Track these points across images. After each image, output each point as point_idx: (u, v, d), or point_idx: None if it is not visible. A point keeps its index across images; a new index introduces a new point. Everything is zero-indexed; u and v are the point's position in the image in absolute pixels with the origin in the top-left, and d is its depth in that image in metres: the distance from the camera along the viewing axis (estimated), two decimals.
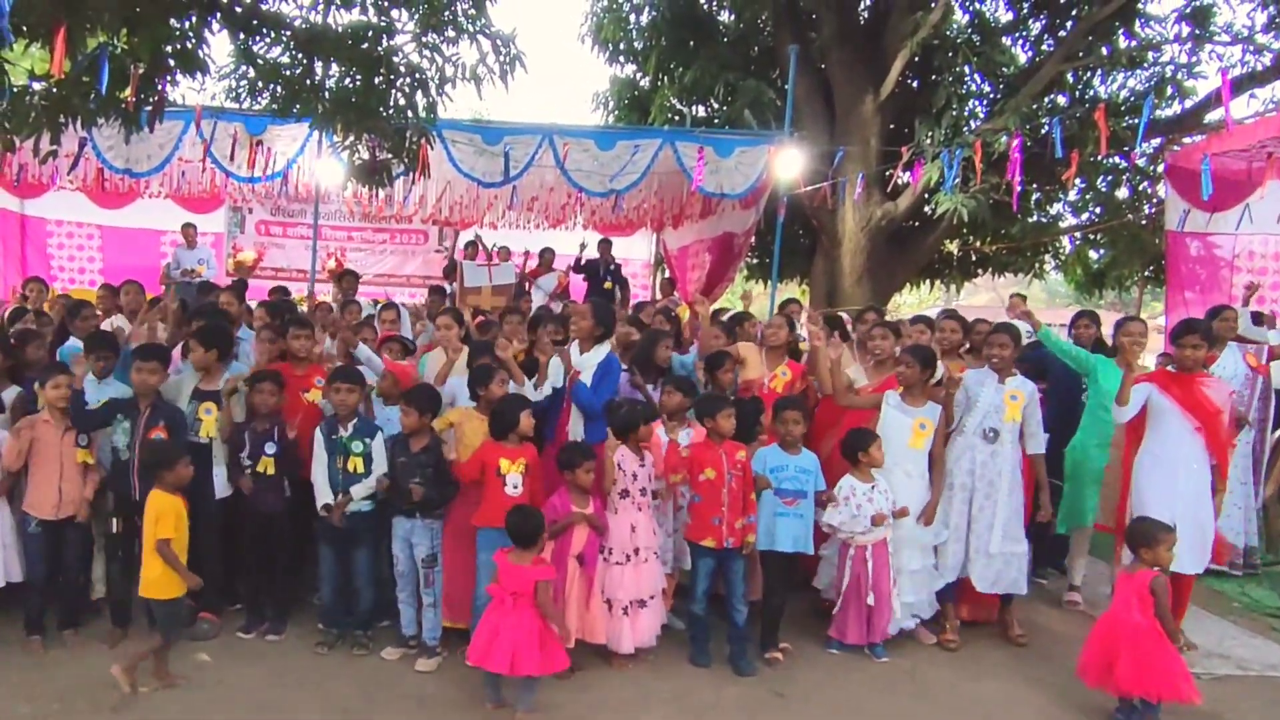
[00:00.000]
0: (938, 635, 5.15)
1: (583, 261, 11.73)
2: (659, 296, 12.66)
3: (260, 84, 4.83)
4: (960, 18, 13.03)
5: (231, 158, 8.89)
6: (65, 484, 4.54)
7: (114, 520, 4.59)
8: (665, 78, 13.87)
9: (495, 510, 4.35)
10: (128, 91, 4.66)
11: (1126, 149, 10.96)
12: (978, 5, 12.85)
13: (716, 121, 13.39)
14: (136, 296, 6.69)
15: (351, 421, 4.67)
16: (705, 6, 13.99)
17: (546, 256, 11.78)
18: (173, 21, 4.39)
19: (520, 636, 3.96)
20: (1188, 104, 12.45)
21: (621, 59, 14.42)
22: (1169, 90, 12.38)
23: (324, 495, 4.63)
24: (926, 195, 11.58)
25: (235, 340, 5.41)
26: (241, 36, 4.71)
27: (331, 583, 4.72)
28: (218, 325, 5.30)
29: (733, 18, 13.61)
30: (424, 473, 4.48)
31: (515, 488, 4.48)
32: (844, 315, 7.32)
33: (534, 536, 4.09)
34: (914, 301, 23.99)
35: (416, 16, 4.83)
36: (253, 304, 7.56)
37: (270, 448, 4.73)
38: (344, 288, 8.97)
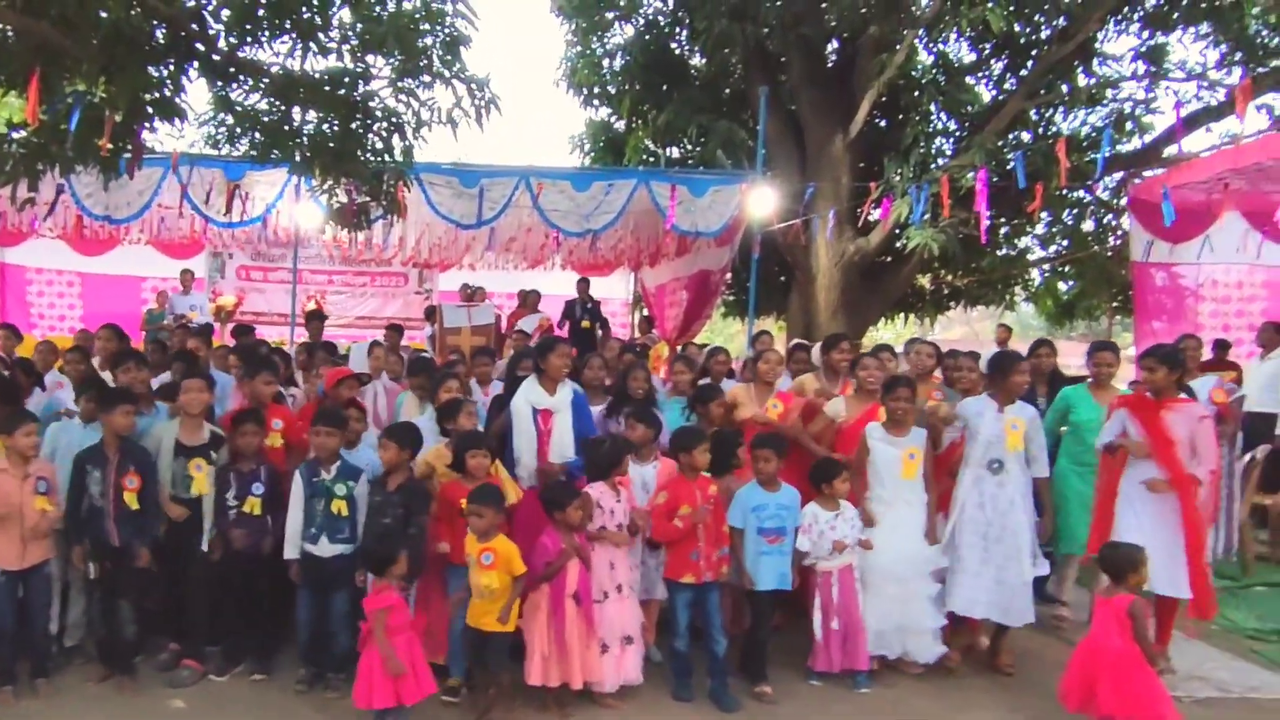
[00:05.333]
0: (946, 659, 5.11)
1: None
2: (638, 335, 12.75)
3: (239, 130, 4.87)
4: (925, 58, 13.35)
5: (207, 202, 8.92)
6: (29, 533, 4.47)
7: (91, 566, 4.52)
8: (639, 120, 14.10)
9: (462, 548, 4.40)
10: (104, 138, 4.69)
11: (1089, 182, 11.23)
12: (941, 46, 13.18)
13: (690, 162, 13.60)
14: (106, 344, 6.58)
15: (334, 464, 4.64)
16: (677, 50, 14.26)
17: (530, 299, 11.81)
18: (151, 69, 4.44)
19: (373, 668, 3.93)
20: (1147, 139, 12.80)
21: (596, 102, 14.65)
22: (1128, 126, 12.74)
23: (292, 548, 4.61)
24: (898, 230, 11.79)
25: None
26: (219, 83, 4.76)
27: (309, 628, 4.65)
28: (207, 370, 5.31)
29: (704, 61, 13.86)
30: (394, 513, 4.44)
31: None
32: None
33: (383, 565, 4.05)
34: (891, 336, 24.21)
35: (393, 62, 4.90)
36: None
37: (258, 488, 4.70)
38: (311, 330, 8.96)
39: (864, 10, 12.03)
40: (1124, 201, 11.01)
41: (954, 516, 5.10)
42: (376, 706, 3.92)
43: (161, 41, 4.48)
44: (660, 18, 14.06)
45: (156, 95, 4.46)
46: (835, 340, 6.12)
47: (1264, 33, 11.57)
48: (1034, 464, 5.12)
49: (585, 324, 11.51)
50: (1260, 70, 11.18)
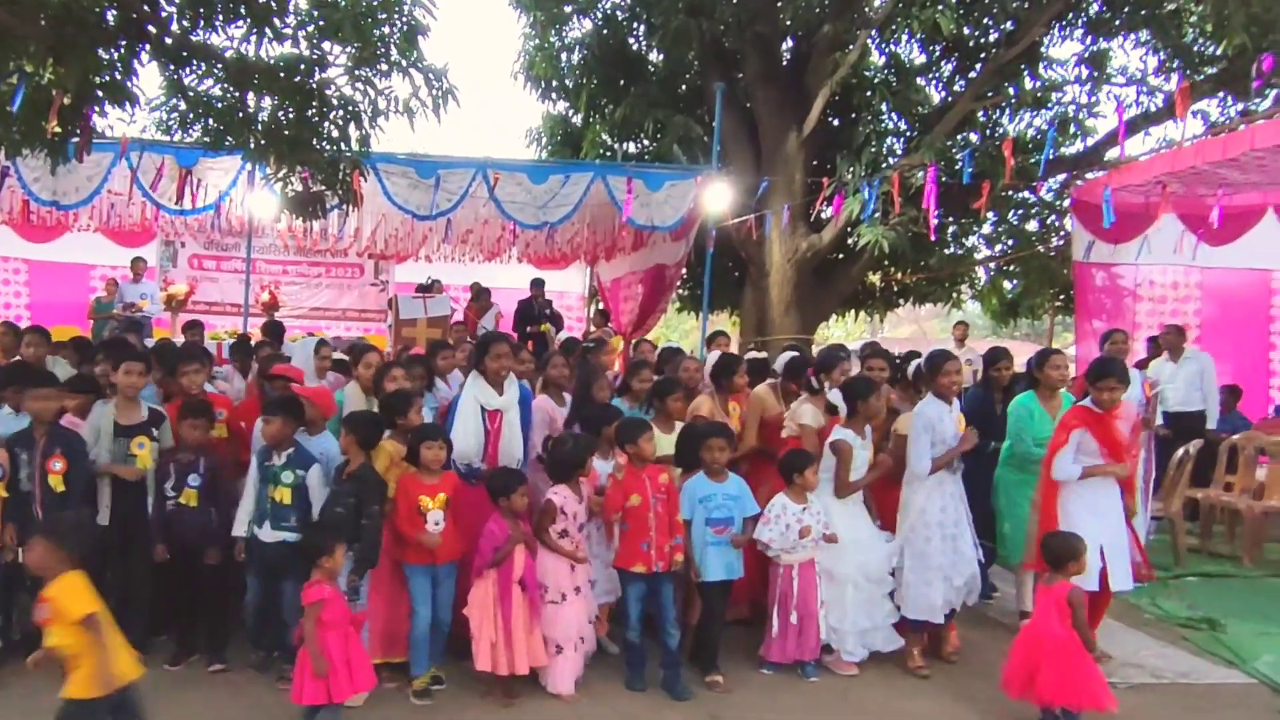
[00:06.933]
0: (909, 664, 5.12)
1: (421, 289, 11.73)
2: (593, 329, 12.79)
3: (191, 116, 4.80)
4: (877, 59, 13.57)
5: (154, 187, 8.75)
6: None
7: (18, 551, 4.42)
8: (596, 114, 14.10)
9: (420, 546, 4.40)
10: (51, 121, 4.58)
11: (1033, 183, 11.55)
12: (893, 47, 13.40)
13: (646, 157, 13.65)
14: (39, 349, 6.25)
15: (286, 450, 4.58)
16: (634, 46, 14.30)
17: (483, 296, 11.76)
18: (100, 51, 4.35)
19: (306, 663, 3.88)
20: (1090, 142, 13.17)
21: (554, 96, 14.62)
22: (1072, 128, 13.09)
23: (239, 527, 4.60)
24: (849, 228, 11.98)
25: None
26: (172, 68, 4.69)
27: (256, 612, 4.65)
28: (143, 351, 5.24)
29: (661, 57, 13.93)
30: (346, 502, 4.41)
31: (437, 524, 4.46)
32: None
33: (314, 556, 3.98)
34: (842, 334, 24.57)
35: (349, 50, 4.87)
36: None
37: (194, 479, 4.65)
38: (266, 331, 8.86)
39: (818, 10, 12.20)
40: (1067, 202, 11.33)
41: (912, 520, 5.09)
42: (306, 702, 3.86)
43: (112, 23, 4.41)
44: (618, 12, 14.07)
45: (106, 78, 4.38)
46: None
47: (1200, 41, 11.98)
48: None
49: (544, 326, 11.51)
50: (1197, 77, 11.57)
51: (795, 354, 6.14)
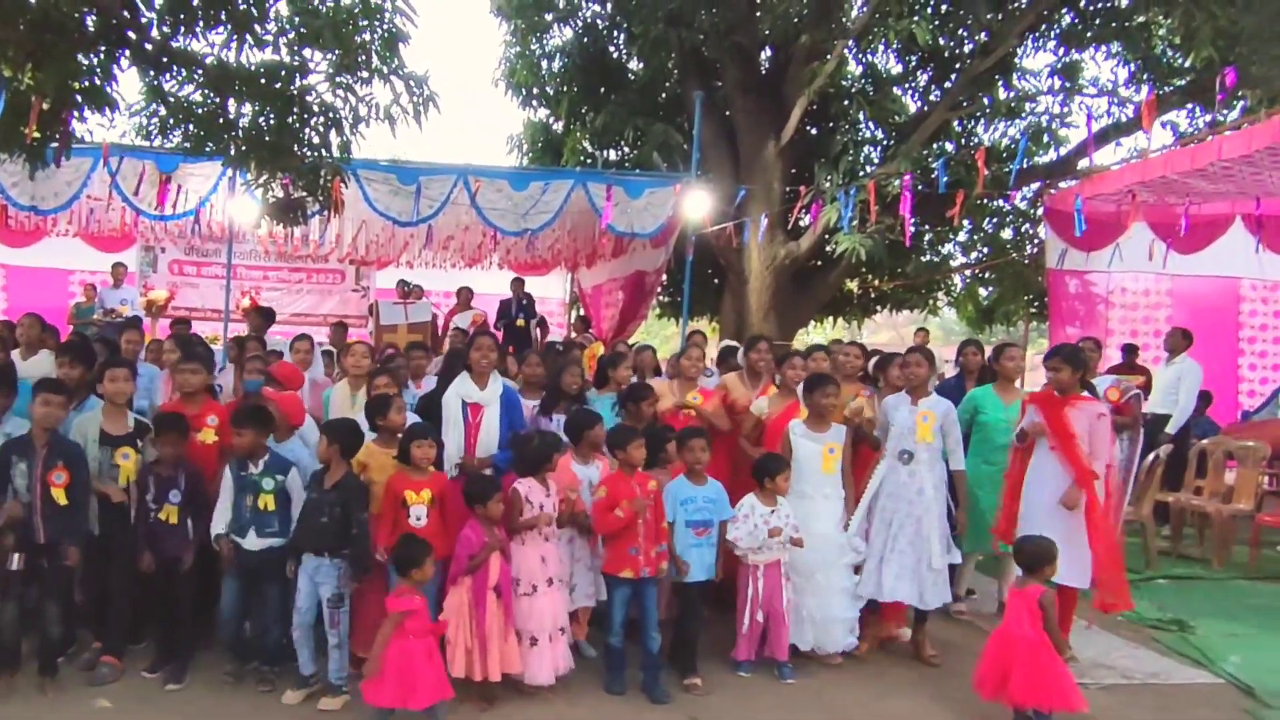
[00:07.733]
0: (855, 649, 5.24)
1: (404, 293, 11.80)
2: (574, 334, 12.83)
3: (172, 122, 4.80)
4: (854, 69, 13.74)
5: (136, 192, 8.71)
6: None
7: (14, 557, 4.36)
8: (577, 122, 14.19)
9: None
10: (30, 126, 4.57)
11: (1007, 192, 11.72)
12: (870, 57, 13.58)
13: (627, 164, 13.73)
14: (29, 330, 6.33)
15: (262, 458, 4.59)
16: (614, 54, 14.38)
17: (463, 295, 11.81)
18: (80, 57, 4.36)
19: (386, 667, 3.96)
20: (1062, 151, 13.38)
21: (534, 103, 14.68)
22: (1045, 138, 13.30)
23: (218, 526, 4.58)
24: (827, 236, 12.09)
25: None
26: (151, 73, 4.69)
27: (233, 617, 4.61)
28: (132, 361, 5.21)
29: (641, 65, 14.02)
30: (332, 511, 4.41)
31: (419, 519, 4.48)
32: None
33: (412, 563, 4.08)
34: (821, 340, 24.72)
35: (330, 57, 4.89)
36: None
37: (174, 496, 4.60)
38: (253, 325, 8.83)
39: (796, 20, 12.33)
40: (1040, 211, 11.51)
41: (864, 505, 5.28)
42: (382, 704, 3.93)
43: (91, 28, 4.41)
44: (598, 21, 14.16)
45: (86, 83, 4.38)
46: (754, 342, 6.23)
47: (1169, 53, 12.21)
48: (951, 456, 5.31)
49: (520, 322, 11.55)
50: (1166, 89, 11.79)
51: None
